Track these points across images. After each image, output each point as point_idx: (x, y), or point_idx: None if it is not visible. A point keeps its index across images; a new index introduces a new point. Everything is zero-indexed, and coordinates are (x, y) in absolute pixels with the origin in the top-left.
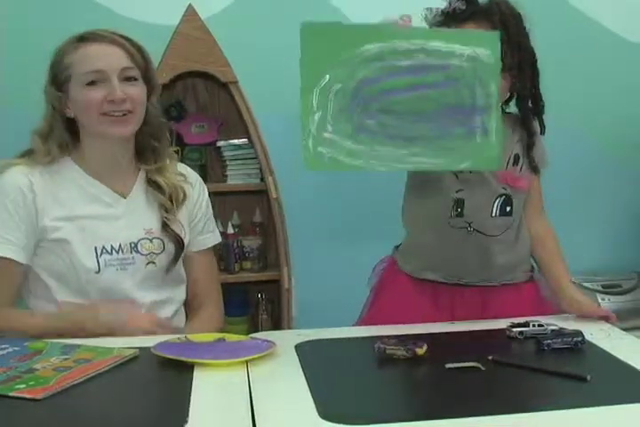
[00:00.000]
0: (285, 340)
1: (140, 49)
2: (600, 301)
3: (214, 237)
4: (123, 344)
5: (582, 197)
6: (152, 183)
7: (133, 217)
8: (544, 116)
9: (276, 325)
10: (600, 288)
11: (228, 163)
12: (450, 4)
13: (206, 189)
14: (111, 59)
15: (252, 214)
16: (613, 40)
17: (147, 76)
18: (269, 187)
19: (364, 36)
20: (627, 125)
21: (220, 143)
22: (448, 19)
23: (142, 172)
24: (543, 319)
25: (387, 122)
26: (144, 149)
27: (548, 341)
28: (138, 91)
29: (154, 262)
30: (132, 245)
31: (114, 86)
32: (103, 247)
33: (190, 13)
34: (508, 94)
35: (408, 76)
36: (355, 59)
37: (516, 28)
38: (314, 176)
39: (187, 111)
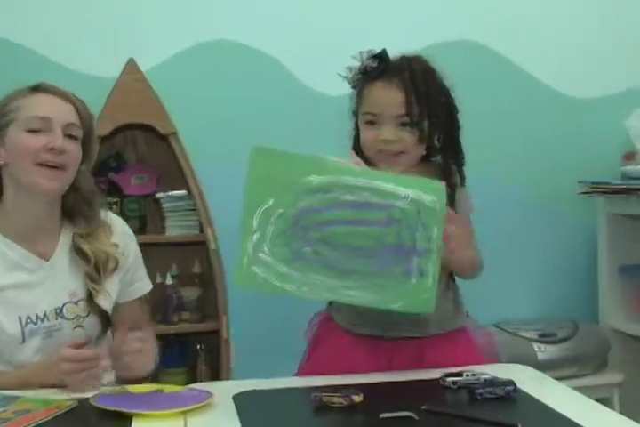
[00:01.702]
0: (223, 390)
1: (88, 113)
2: (536, 349)
3: (144, 286)
4: (62, 395)
5: (519, 245)
6: (78, 251)
7: (56, 281)
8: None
9: (216, 376)
10: (536, 337)
11: (167, 214)
12: (362, 62)
13: (135, 239)
14: (60, 111)
15: (190, 265)
16: (550, 94)
17: (86, 141)
18: (208, 238)
19: (311, 166)
20: (562, 175)
21: (160, 195)
22: (362, 76)
23: (65, 234)
24: (476, 369)
25: (324, 252)
26: (74, 214)
27: (481, 390)
28: (76, 149)
29: (81, 326)
30: (57, 310)
31: (56, 135)
32: (28, 317)
33: (131, 66)
34: (425, 145)
35: (350, 210)
36: (299, 187)
37: (425, 82)
38: None
39: (126, 162)
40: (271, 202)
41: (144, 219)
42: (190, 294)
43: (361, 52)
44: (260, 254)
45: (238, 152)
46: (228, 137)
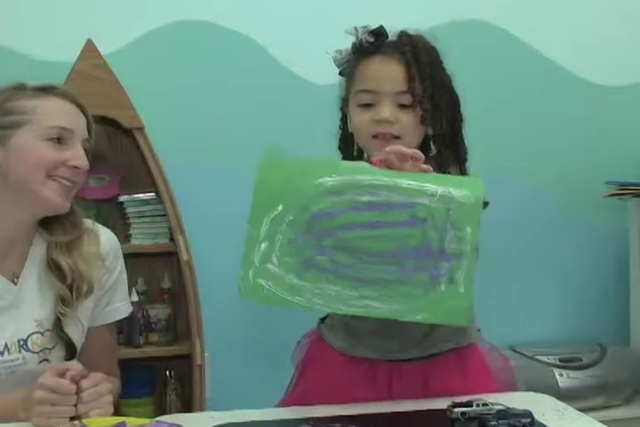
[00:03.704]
0: (197, 423)
1: (94, 124)
2: (557, 377)
3: (122, 309)
4: None
5: (537, 256)
6: (52, 264)
7: (23, 307)
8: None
9: (187, 406)
10: (557, 362)
11: (131, 220)
12: (357, 37)
13: (121, 254)
14: (80, 123)
15: (159, 279)
16: (573, 82)
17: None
18: (180, 248)
19: (323, 168)
20: (587, 175)
21: (123, 198)
22: (356, 54)
23: (37, 245)
24: (489, 398)
25: (340, 260)
26: (52, 221)
27: (494, 422)
28: (88, 165)
29: (47, 360)
30: (21, 342)
31: (79, 152)
32: None
33: (89, 49)
34: (423, 133)
35: (368, 211)
36: (311, 191)
37: (429, 60)
38: (230, 236)
39: None
40: (280, 208)
41: (104, 226)
42: (159, 312)
43: (356, 27)
44: (268, 265)
45: (214, 149)
46: (202, 132)
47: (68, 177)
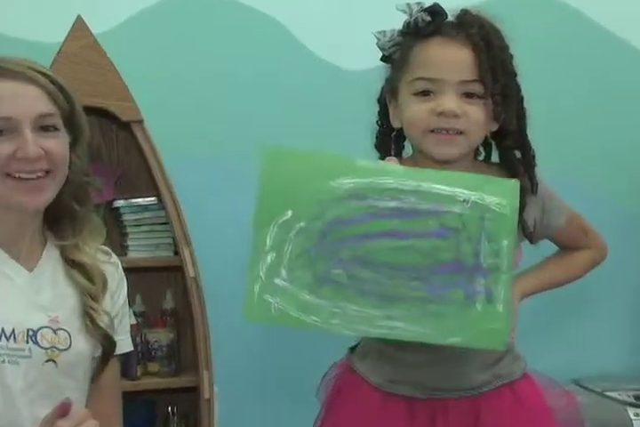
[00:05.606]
0: None
1: (62, 87)
2: (632, 416)
3: (127, 343)
4: None
5: (607, 276)
6: (72, 263)
7: (36, 297)
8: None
9: None
10: (631, 399)
11: (129, 230)
12: (410, 15)
13: (125, 281)
14: (25, 102)
15: (161, 299)
16: None
17: (71, 122)
18: (185, 262)
19: (339, 167)
20: None
21: (119, 203)
22: (409, 36)
23: (50, 250)
24: None
25: (359, 274)
26: (60, 217)
27: None
28: (59, 144)
29: (54, 361)
30: (30, 333)
31: (26, 140)
32: None
33: (79, 28)
34: (485, 132)
35: (393, 219)
36: (325, 194)
37: (499, 44)
38: (244, 249)
39: None
40: (290, 214)
41: None
42: (160, 337)
43: (408, 4)
44: (277, 280)
45: (225, 146)
46: (210, 126)
47: (26, 169)
